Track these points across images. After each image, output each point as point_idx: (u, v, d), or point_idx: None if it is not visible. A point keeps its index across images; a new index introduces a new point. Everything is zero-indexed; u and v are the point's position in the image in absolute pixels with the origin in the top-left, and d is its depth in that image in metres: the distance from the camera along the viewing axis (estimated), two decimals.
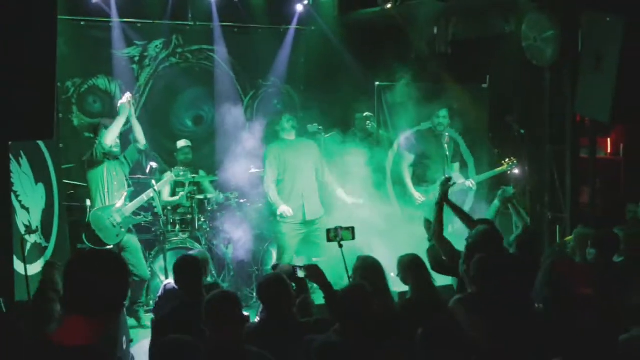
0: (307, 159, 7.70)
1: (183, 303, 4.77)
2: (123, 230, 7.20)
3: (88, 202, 7.34)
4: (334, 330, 3.94)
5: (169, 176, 7.78)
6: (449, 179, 5.85)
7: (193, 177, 8.03)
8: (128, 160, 7.43)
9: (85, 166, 7.31)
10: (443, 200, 5.62)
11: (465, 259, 4.67)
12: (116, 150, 7.24)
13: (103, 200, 7.18)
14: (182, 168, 8.00)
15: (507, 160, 8.46)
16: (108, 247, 7.10)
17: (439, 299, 4.92)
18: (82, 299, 2.42)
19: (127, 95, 7.34)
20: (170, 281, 5.42)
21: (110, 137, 7.12)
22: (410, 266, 5.01)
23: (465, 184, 8.28)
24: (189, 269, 4.75)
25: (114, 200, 7.19)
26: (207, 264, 5.50)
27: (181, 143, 8.48)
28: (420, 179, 8.41)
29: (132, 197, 7.40)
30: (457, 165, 8.37)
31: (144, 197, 7.38)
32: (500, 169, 8.50)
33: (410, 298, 5.01)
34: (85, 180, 7.41)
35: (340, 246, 5.47)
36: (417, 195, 8.28)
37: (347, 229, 5.50)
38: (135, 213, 7.36)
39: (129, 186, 7.41)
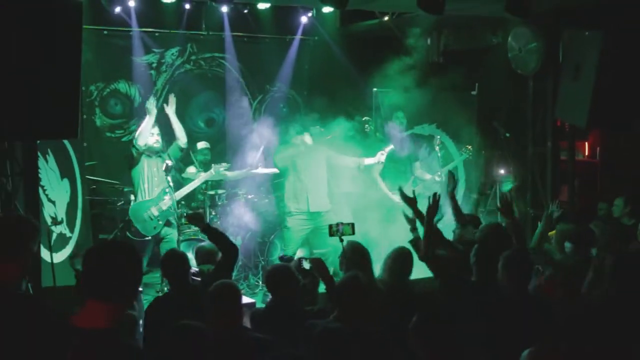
0: (315, 157, 7.74)
1: (169, 295, 4.76)
2: (160, 223, 7.18)
3: (132, 197, 7.37)
4: (333, 316, 3.97)
5: (210, 173, 7.74)
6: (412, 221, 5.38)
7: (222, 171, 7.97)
8: (170, 157, 7.32)
9: (127, 165, 7.32)
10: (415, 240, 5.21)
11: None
12: (157, 146, 7.19)
13: (143, 195, 7.17)
14: (224, 164, 7.92)
15: (463, 149, 8.49)
16: (146, 238, 7.15)
17: (408, 288, 4.95)
18: (98, 285, 2.46)
19: (171, 99, 7.40)
20: None
21: (142, 138, 7.07)
22: (393, 256, 5.03)
23: (434, 179, 8.30)
24: (173, 263, 4.63)
25: (153, 195, 7.18)
26: (216, 254, 5.54)
27: (201, 144, 8.43)
28: (394, 183, 8.36)
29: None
30: (417, 164, 8.39)
31: (182, 192, 7.40)
32: (460, 158, 8.55)
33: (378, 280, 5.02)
34: (109, 177, 7.46)
35: (342, 240, 5.50)
36: (397, 199, 8.25)
37: (347, 224, 5.55)
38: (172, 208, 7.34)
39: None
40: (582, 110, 7.04)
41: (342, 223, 5.56)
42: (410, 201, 5.20)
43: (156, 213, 7.17)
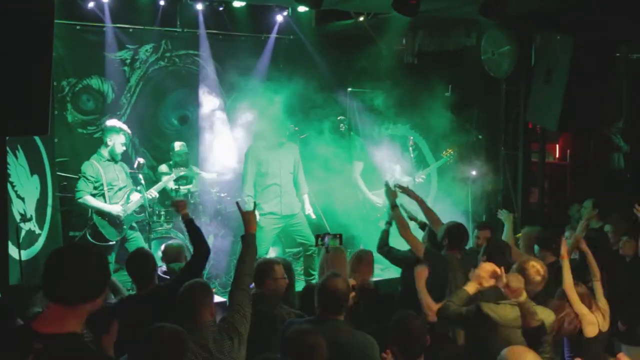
0: (287, 158, 7.72)
1: (135, 295, 4.71)
2: (125, 227, 7.12)
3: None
4: (311, 318, 3.97)
5: (166, 179, 7.66)
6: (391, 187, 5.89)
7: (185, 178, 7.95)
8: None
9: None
10: (393, 206, 5.70)
11: None
12: (122, 150, 7.18)
13: (105, 201, 7.06)
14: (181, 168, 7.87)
15: (444, 152, 8.56)
16: (110, 242, 7.03)
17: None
18: (58, 288, 2.37)
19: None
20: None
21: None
22: (358, 260, 5.26)
23: (414, 180, 8.36)
24: (138, 262, 4.58)
25: (116, 200, 7.10)
26: (183, 252, 5.52)
27: (178, 146, 8.32)
28: (375, 184, 8.42)
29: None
30: (397, 167, 8.46)
31: (143, 197, 7.27)
32: (441, 160, 8.61)
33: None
34: (80, 173, 7.38)
35: (327, 252, 5.51)
36: (376, 199, 8.34)
37: (334, 236, 5.54)
38: (136, 211, 7.25)
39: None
40: (553, 113, 7.13)
41: (328, 234, 5.54)
42: (392, 194, 5.76)
43: (121, 217, 7.08)
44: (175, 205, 5.07)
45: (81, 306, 2.40)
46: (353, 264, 5.38)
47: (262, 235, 7.54)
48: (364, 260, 5.41)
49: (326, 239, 5.42)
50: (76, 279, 2.37)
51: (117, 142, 7.11)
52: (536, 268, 4.39)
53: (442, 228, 5.46)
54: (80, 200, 7.01)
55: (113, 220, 7.05)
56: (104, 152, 7.13)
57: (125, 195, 7.19)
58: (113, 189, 7.10)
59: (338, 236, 5.45)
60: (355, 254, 5.54)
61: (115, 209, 7.03)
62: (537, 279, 4.37)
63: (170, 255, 5.49)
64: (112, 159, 7.12)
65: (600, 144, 9.69)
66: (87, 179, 7.00)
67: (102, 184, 7.03)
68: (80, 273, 2.38)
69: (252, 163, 7.58)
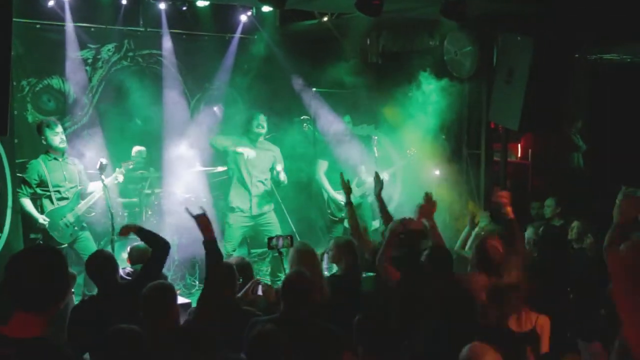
0: (264, 157, 7.77)
1: (95, 297, 4.70)
2: (76, 229, 6.98)
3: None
4: (275, 316, 3.97)
5: (117, 172, 7.41)
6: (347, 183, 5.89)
7: (142, 174, 7.90)
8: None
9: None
10: (349, 201, 5.69)
11: None
12: (63, 146, 6.99)
13: (52, 201, 6.94)
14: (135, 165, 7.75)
15: (407, 151, 8.64)
16: (62, 246, 6.88)
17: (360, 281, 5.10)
18: (27, 296, 2.41)
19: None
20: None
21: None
22: (344, 247, 5.15)
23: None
24: (99, 264, 4.58)
25: (63, 201, 6.98)
26: (149, 253, 5.46)
27: (135, 151, 8.25)
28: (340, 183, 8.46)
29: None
30: (362, 167, 8.51)
31: (95, 196, 7.15)
32: (405, 160, 8.69)
33: (337, 274, 5.14)
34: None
35: (280, 254, 5.51)
36: (340, 197, 8.36)
37: (285, 237, 5.55)
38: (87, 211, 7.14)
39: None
40: (515, 113, 7.24)
41: (280, 236, 5.56)
42: (346, 188, 5.77)
43: (72, 219, 6.96)
44: (123, 233, 5.00)
45: (47, 310, 2.45)
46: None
47: (231, 232, 7.62)
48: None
49: (280, 240, 5.45)
50: (43, 285, 2.41)
51: (49, 135, 6.97)
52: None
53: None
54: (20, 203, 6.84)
55: (65, 221, 6.92)
56: (50, 150, 7.02)
57: (74, 196, 7.05)
58: (60, 190, 6.98)
59: (289, 237, 5.49)
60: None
61: (41, 219, 6.82)
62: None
63: (136, 256, 5.45)
64: (57, 154, 6.98)
65: (560, 143, 9.86)
66: (27, 180, 6.89)
67: (47, 184, 6.91)
68: (47, 278, 2.42)
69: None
